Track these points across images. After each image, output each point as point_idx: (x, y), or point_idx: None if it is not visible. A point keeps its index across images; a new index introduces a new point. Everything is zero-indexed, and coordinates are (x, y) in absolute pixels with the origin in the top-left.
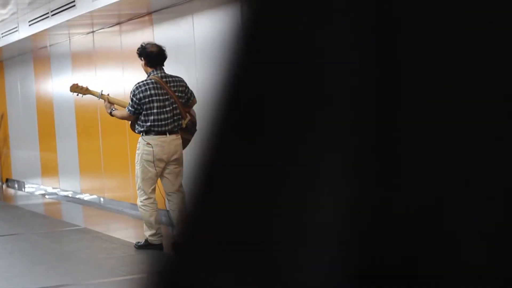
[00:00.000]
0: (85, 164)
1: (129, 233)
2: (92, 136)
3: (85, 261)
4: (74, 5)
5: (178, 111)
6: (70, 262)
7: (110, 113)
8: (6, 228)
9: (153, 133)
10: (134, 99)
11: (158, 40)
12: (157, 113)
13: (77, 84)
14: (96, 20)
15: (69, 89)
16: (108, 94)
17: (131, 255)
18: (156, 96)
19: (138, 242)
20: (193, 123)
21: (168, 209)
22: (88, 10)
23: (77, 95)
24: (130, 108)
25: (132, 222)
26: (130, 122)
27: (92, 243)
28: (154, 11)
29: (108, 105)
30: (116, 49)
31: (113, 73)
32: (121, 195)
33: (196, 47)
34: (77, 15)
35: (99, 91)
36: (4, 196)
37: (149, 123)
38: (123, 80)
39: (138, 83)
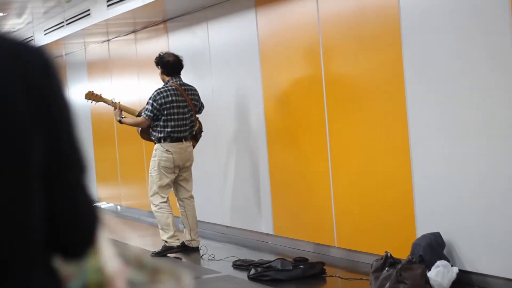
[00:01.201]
0: (101, 172)
1: (147, 241)
2: (109, 144)
3: None
4: (89, 14)
5: (192, 118)
6: None
7: (120, 121)
8: None
9: (169, 139)
10: (155, 104)
11: (173, 48)
12: (177, 119)
13: (92, 91)
14: (111, 28)
15: (84, 96)
16: (119, 102)
17: None
18: (176, 102)
19: (154, 251)
20: (200, 130)
21: (181, 214)
22: (103, 19)
23: (91, 102)
24: (148, 113)
25: (150, 230)
26: (140, 129)
27: None
28: (169, 19)
29: (118, 112)
30: (132, 57)
31: (129, 81)
32: (138, 203)
33: (211, 55)
34: (92, 23)
35: (111, 98)
36: None
37: (169, 129)
38: (138, 88)
39: (159, 89)
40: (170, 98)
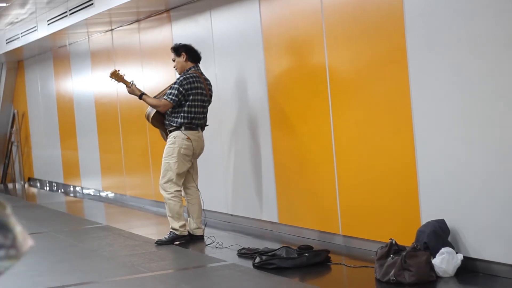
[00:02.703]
0: (106, 162)
1: (151, 230)
2: (113, 134)
3: (108, 258)
4: (92, 4)
5: (208, 108)
6: (93, 260)
7: (140, 96)
8: (29, 227)
9: (189, 126)
10: (181, 89)
11: (177, 37)
12: (200, 106)
13: (117, 71)
14: (114, 18)
15: (109, 74)
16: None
17: (153, 252)
18: (200, 89)
19: (160, 240)
20: (206, 121)
21: (187, 202)
22: (106, 8)
23: (114, 81)
24: (173, 97)
25: (154, 219)
26: (151, 115)
27: (115, 240)
28: (172, 8)
29: (136, 88)
30: (135, 46)
31: (133, 70)
32: (142, 192)
33: (215, 43)
34: (96, 13)
35: (130, 81)
36: (26, 195)
37: (192, 115)
38: (142, 77)
39: (185, 74)
40: (195, 84)
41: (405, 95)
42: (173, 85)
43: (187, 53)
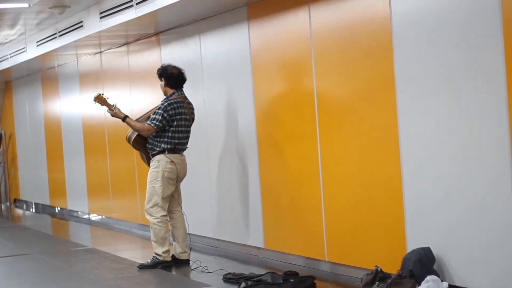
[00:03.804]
0: (92, 184)
1: (137, 253)
2: (100, 156)
3: (94, 281)
4: (82, 26)
5: (190, 132)
6: (79, 282)
7: (124, 119)
8: (15, 248)
9: (173, 151)
10: (165, 115)
11: (166, 60)
12: (183, 131)
13: (101, 94)
14: (103, 40)
15: (93, 98)
16: (118, 108)
17: (138, 276)
18: (184, 115)
19: (143, 264)
20: None
21: (172, 227)
22: (95, 31)
23: (98, 104)
24: (157, 123)
25: (140, 243)
26: (133, 138)
27: (100, 263)
28: (161, 31)
29: (119, 110)
30: (124, 69)
31: (121, 93)
32: (128, 215)
33: (204, 67)
34: (85, 35)
35: (112, 103)
36: (12, 216)
37: (176, 140)
38: (130, 99)
39: (169, 99)
40: (179, 110)
41: (393, 121)
42: (157, 110)
43: (166, 79)
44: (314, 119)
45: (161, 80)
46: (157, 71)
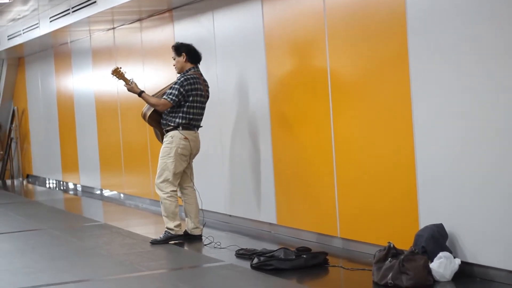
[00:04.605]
0: (105, 160)
1: (149, 229)
2: (112, 132)
3: (106, 256)
4: (95, 2)
5: (204, 110)
6: (91, 258)
7: (140, 94)
8: (27, 223)
9: (187, 127)
10: (182, 90)
11: (179, 37)
12: (198, 107)
13: (118, 68)
14: (116, 16)
15: (111, 71)
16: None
17: (151, 251)
18: (200, 91)
19: (155, 239)
20: None
21: (184, 202)
22: (109, 7)
23: (115, 78)
24: (173, 97)
25: (152, 218)
26: (148, 113)
27: (113, 238)
28: (175, 8)
29: (135, 85)
30: (137, 45)
31: (134, 69)
32: (140, 191)
33: (217, 44)
34: (98, 11)
35: (130, 78)
36: (24, 192)
37: (191, 116)
38: (143, 76)
39: (185, 75)
40: (195, 86)
41: (406, 98)
42: (173, 85)
43: (187, 53)
44: (327, 96)
45: (179, 56)
46: (175, 46)
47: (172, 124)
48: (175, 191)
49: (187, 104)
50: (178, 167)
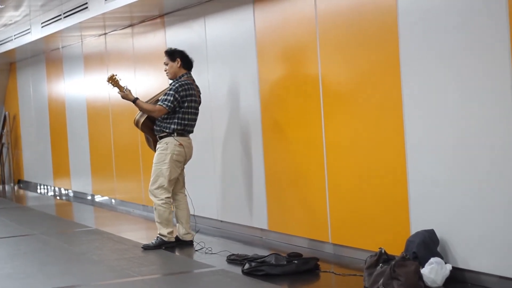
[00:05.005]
0: (96, 166)
1: (141, 234)
2: (104, 138)
3: (97, 262)
4: (87, 7)
5: (198, 115)
6: (82, 263)
7: (134, 101)
8: (18, 229)
9: (181, 133)
10: (177, 96)
11: (170, 43)
12: (193, 113)
13: (114, 75)
14: (108, 22)
15: (106, 78)
16: (129, 90)
17: (142, 256)
18: (194, 97)
19: (147, 244)
20: None
21: (175, 208)
22: (100, 12)
23: (110, 85)
24: (169, 104)
25: (143, 224)
26: (141, 120)
27: (104, 244)
28: (166, 13)
29: (129, 92)
30: (128, 51)
31: (125, 74)
32: (132, 197)
33: (208, 49)
34: (90, 17)
35: (123, 85)
36: (16, 198)
37: (186, 122)
38: (135, 81)
39: (179, 81)
40: (190, 92)
41: (398, 104)
42: (168, 91)
43: (181, 59)
44: (319, 102)
45: (174, 61)
46: (168, 51)
47: (167, 131)
48: (170, 197)
49: (182, 110)
50: (173, 173)
